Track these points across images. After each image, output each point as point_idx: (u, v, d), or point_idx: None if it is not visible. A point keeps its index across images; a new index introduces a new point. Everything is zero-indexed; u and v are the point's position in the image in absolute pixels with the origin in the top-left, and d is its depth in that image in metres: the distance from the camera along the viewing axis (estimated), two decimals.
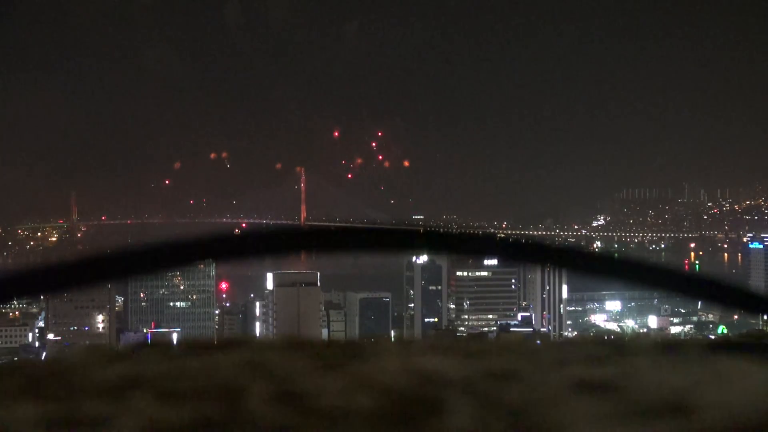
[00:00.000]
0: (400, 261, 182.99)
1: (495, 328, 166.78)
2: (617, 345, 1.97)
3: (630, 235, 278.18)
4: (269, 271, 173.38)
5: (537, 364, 1.81)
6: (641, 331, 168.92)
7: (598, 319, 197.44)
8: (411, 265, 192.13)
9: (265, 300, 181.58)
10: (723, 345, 1.95)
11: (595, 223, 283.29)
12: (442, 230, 2.75)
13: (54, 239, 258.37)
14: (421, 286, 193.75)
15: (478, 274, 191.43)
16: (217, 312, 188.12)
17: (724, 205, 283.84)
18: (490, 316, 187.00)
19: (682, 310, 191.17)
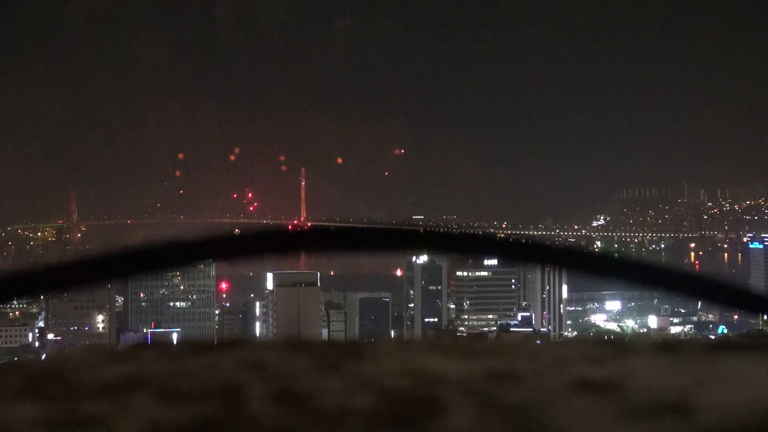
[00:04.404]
0: (400, 261, 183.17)
1: (495, 328, 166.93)
2: (617, 345, 1.97)
3: (630, 235, 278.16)
4: (269, 271, 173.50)
5: (537, 364, 1.81)
6: (641, 331, 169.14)
7: (598, 319, 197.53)
8: (411, 265, 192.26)
9: (265, 300, 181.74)
10: (723, 345, 1.95)
11: (595, 223, 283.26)
12: (442, 230, 2.76)
13: (53, 239, 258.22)
14: (421, 286, 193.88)
15: (478, 274, 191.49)
16: (217, 312, 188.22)
17: (724, 205, 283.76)
18: (490, 316, 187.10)
19: (682, 310, 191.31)
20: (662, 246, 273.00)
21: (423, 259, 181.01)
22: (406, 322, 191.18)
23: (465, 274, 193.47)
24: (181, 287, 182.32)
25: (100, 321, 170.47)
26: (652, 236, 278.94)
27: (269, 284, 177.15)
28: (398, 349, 1.92)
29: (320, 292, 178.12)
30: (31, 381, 1.72)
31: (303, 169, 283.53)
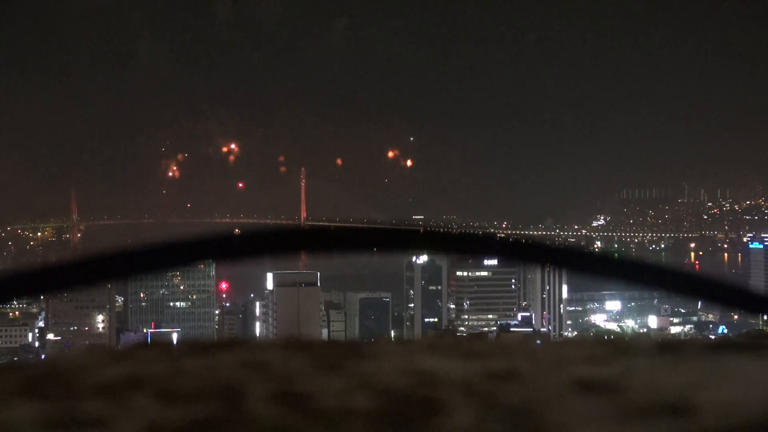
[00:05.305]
0: (400, 261, 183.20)
1: (495, 328, 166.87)
2: (617, 345, 1.97)
3: (630, 235, 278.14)
4: (269, 271, 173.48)
5: (537, 364, 1.81)
6: (641, 331, 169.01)
7: (598, 319, 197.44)
8: (411, 265, 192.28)
9: (265, 300, 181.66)
10: (723, 345, 1.95)
11: (595, 223, 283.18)
12: (442, 230, 2.76)
13: (53, 239, 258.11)
14: (421, 286, 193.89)
15: (478, 274, 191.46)
16: (217, 312, 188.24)
17: (724, 205, 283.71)
18: (490, 316, 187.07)
19: (682, 310, 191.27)
20: (662, 246, 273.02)
21: (423, 259, 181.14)
22: (406, 322, 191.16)
23: (465, 274, 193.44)
24: (181, 287, 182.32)
25: (100, 321, 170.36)
26: (652, 236, 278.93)
27: (269, 284, 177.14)
28: (398, 349, 1.91)
29: (320, 292, 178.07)
30: (31, 381, 1.72)
31: (303, 169, 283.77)
